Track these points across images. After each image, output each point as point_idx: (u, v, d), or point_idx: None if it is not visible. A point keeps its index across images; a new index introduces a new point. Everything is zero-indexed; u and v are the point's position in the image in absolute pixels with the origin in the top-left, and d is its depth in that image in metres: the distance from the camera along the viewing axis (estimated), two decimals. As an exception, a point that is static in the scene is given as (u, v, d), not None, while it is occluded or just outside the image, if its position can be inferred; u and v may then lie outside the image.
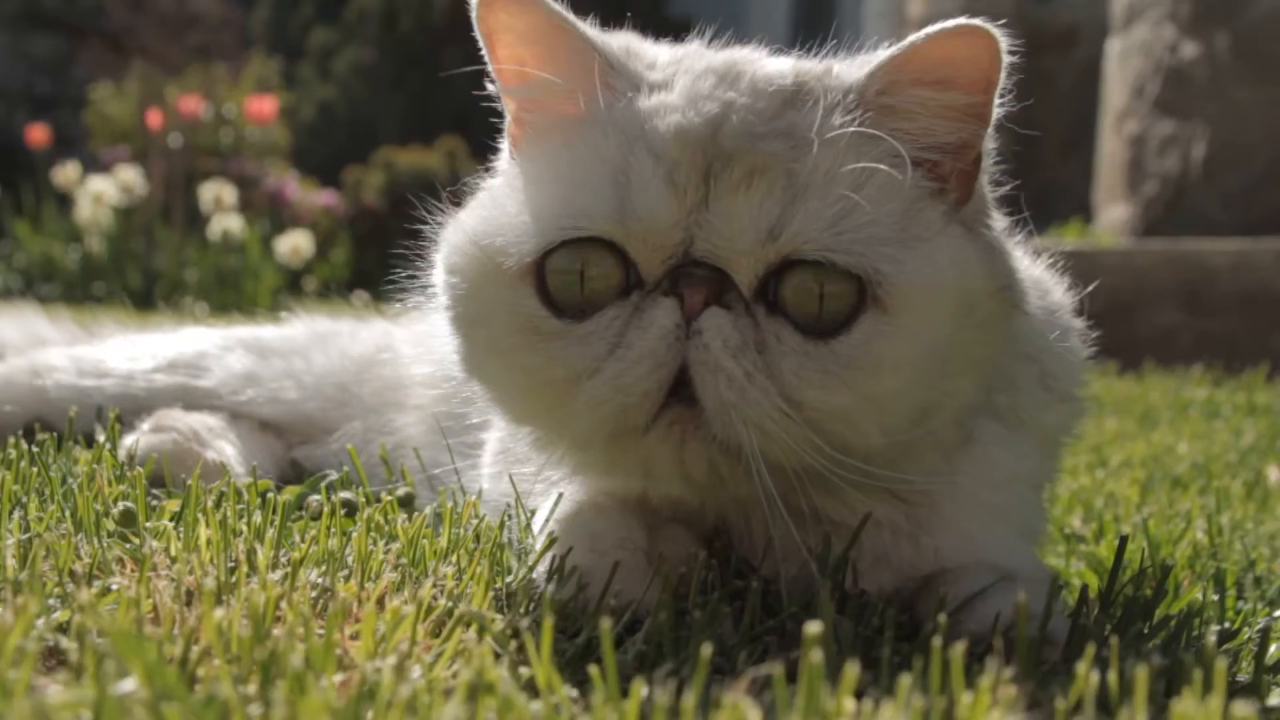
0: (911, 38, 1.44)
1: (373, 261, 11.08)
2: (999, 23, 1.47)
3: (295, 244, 9.91)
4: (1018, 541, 1.63)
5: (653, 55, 1.55)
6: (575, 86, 1.49)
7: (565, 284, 1.42)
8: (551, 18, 1.49)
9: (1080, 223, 7.45)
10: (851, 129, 1.42)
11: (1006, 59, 1.46)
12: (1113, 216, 7.18)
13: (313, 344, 2.43)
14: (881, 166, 1.41)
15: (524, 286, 1.44)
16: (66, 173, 10.61)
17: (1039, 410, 1.67)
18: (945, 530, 1.58)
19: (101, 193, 10.15)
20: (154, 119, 11.54)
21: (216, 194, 10.23)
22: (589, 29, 1.52)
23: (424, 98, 16.12)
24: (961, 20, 1.44)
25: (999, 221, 1.58)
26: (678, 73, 1.50)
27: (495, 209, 1.50)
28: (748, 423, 1.35)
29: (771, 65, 1.52)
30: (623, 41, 1.55)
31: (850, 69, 1.50)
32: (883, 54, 1.46)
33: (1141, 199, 6.97)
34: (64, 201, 10.79)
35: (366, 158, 13.13)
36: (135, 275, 10.10)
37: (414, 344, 2.24)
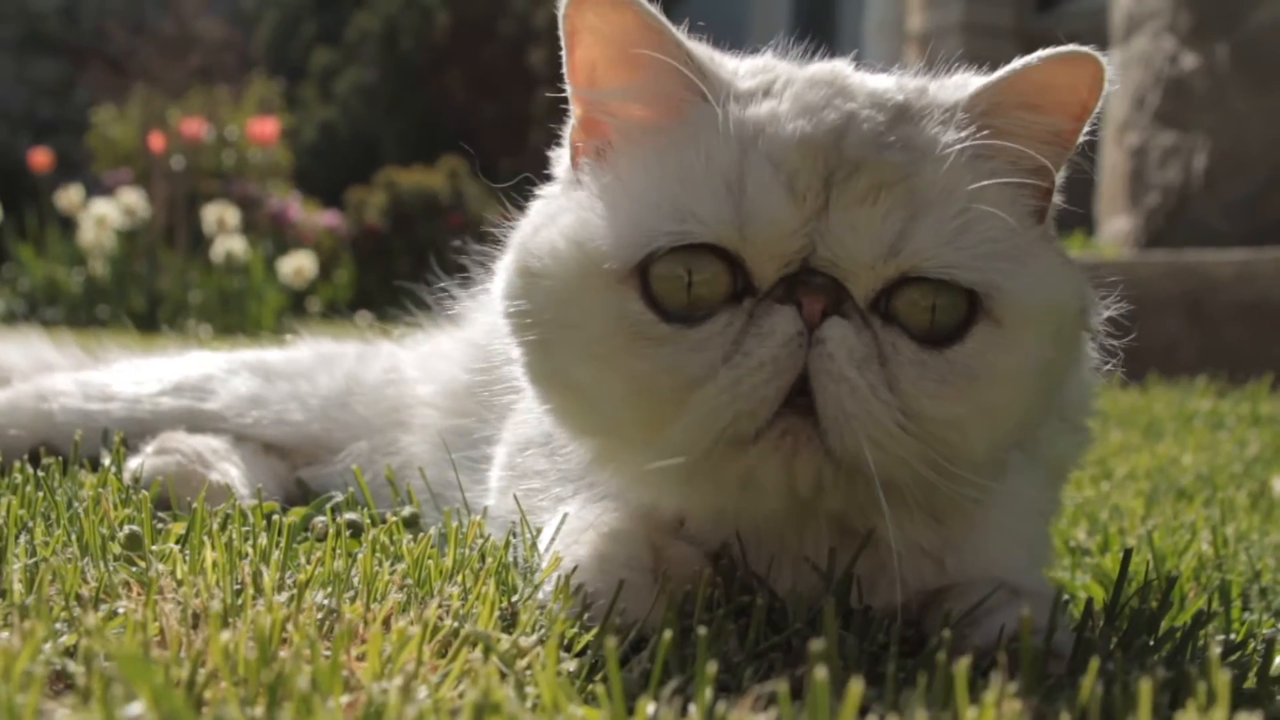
0: (1020, 61, 1.46)
1: (375, 282, 11.11)
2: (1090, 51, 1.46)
3: (298, 265, 9.92)
4: (1031, 568, 1.64)
5: (733, 64, 1.56)
6: (665, 91, 1.49)
7: (671, 289, 1.40)
8: (644, 18, 1.49)
9: (1082, 235, 7.45)
10: (967, 143, 1.42)
11: (1107, 88, 1.46)
12: (1115, 228, 7.18)
13: (318, 366, 2.43)
14: (995, 182, 1.42)
15: (627, 290, 1.42)
16: (69, 196, 10.62)
17: (1052, 439, 1.67)
18: (973, 554, 1.58)
19: (104, 216, 10.16)
20: (156, 141, 11.57)
21: (219, 216, 10.25)
22: (679, 32, 1.51)
23: (425, 118, 16.15)
24: (1071, 47, 1.44)
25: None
26: (776, 81, 1.50)
27: (583, 213, 1.48)
28: (868, 435, 1.35)
29: (876, 80, 1.54)
30: (704, 48, 1.55)
31: (950, 89, 1.51)
32: (990, 76, 1.48)
33: (1143, 210, 6.97)
34: (67, 225, 10.81)
35: (369, 178, 13.15)
36: (139, 298, 10.11)
37: (418, 365, 2.25)
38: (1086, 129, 1.48)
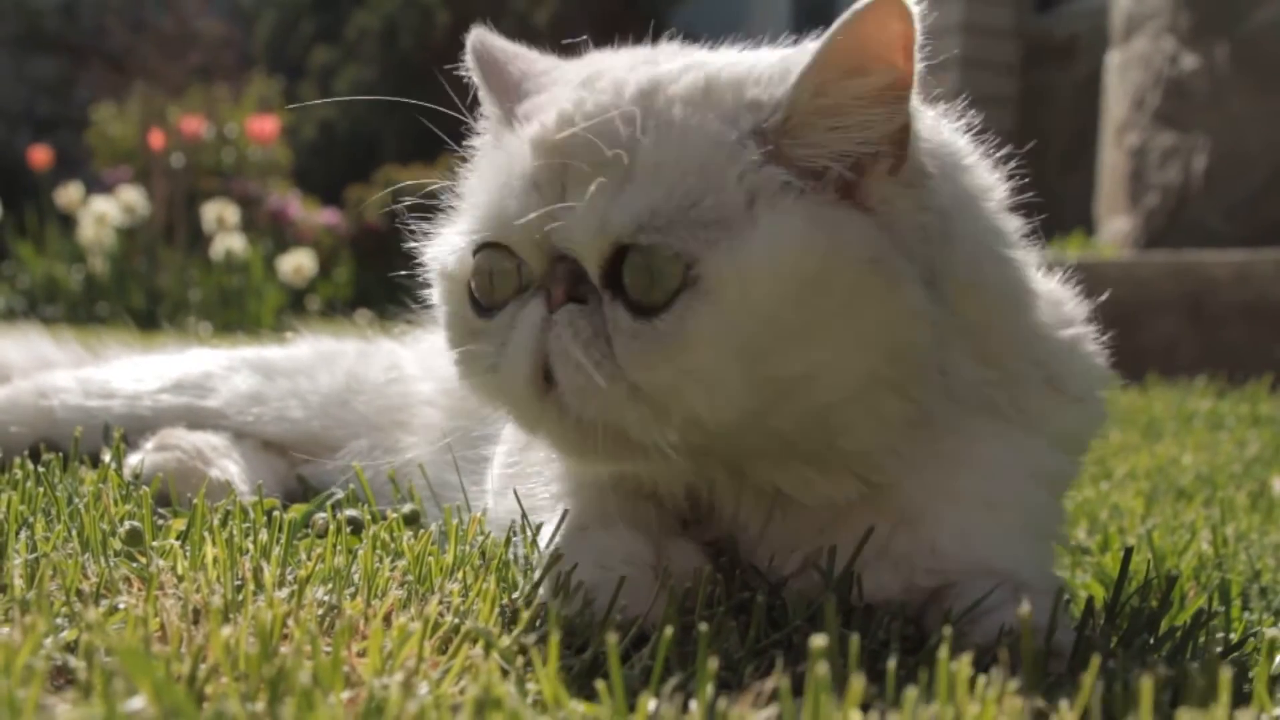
0: (827, 32, 1.45)
1: (375, 280, 11.09)
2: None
3: (298, 263, 9.92)
4: (1021, 540, 1.62)
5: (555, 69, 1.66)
6: (493, 111, 1.66)
7: (480, 285, 1.53)
8: (484, 50, 1.69)
9: (1082, 235, 7.45)
10: (684, 120, 1.46)
11: (915, 11, 1.44)
12: (1115, 228, 7.18)
13: (318, 363, 2.44)
14: (717, 151, 1.44)
15: (465, 290, 1.56)
16: (69, 194, 10.62)
17: (1052, 411, 1.67)
18: (938, 524, 1.58)
19: (104, 213, 10.16)
20: (156, 139, 11.56)
21: (219, 214, 10.25)
22: (515, 56, 1.69)
23: (425, 116, 16.10)
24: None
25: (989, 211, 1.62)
26: (554, 82, 1.59)
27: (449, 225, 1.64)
28: (598, 406, 1.41)
29: (671, 61, 1.56)
30: (544, 62, 1.68)
31: (775, 79, 1.50)
32: (807, 56, 1.45)
33: (1143, 211, 6.97)
34: (67, 222, 10.80)
35: (368, 176, 13.14)
36: (138, 295, 10.11)
37: (419, 362, 2.25)
38: (920, 59, 1.47)
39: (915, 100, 1.47)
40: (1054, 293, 1.78)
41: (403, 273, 1.69)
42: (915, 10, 1.42)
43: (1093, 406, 1.75)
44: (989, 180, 1.64)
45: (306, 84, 17.29)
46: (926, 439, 1.55)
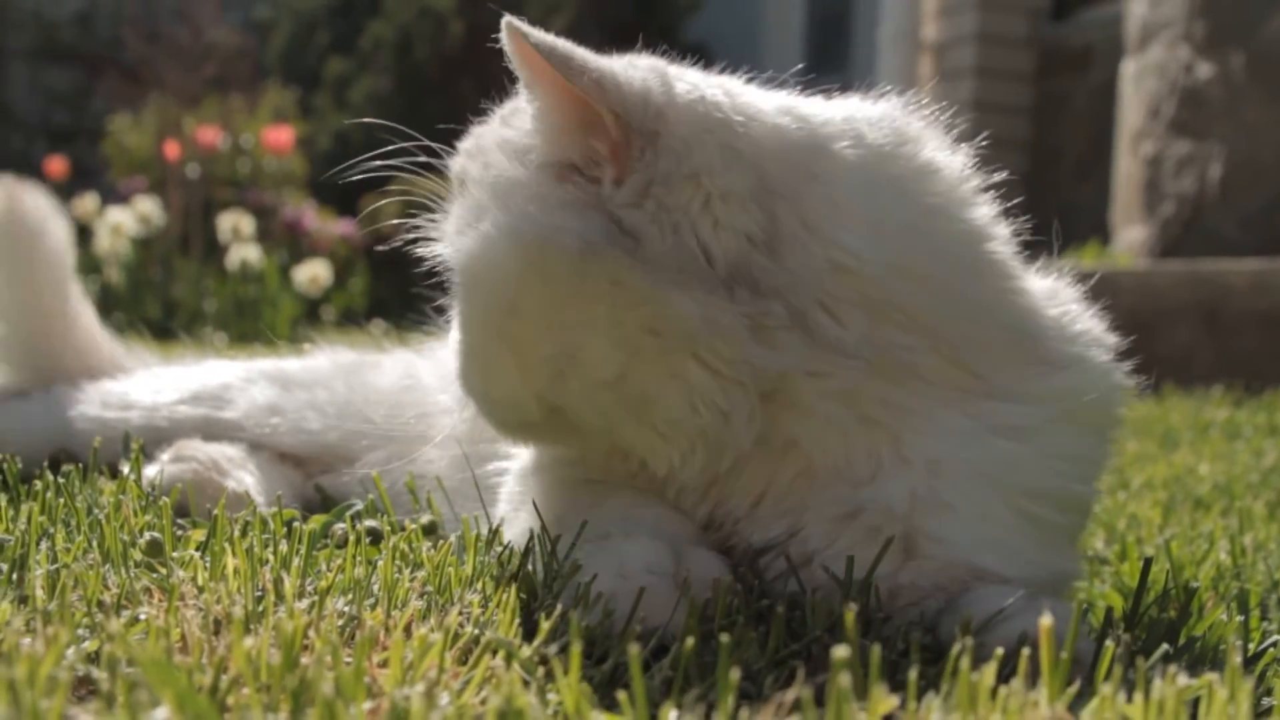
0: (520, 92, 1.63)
1: (390, 290, 11.10)
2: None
3: (313, 273, 9.93)
4: (1000, 506, 1.60)
5: None
6: None
7: None
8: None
9: (1098, 244, 7.45)
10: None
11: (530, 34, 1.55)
12: (1130, 237, 7.17)
13: (336, 374, 2.44)
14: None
15: None
16: (85, 204, 10.64)
17: (1033, 379, 1.64)
18: (894, 483, 1.58)
19: (120, 224, 10.18)
20: (171, 150, 11.59)
21: (234, 224, 10.27)
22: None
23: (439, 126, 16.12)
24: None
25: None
26: None
27: None
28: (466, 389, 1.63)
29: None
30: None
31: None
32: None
33: (1159, 220, 6.96)
34: (83, 233, 10.81)
35: (384, 187, 13.14)
36: (154, 306, 10.13)
37: (437, 374, 2.25)
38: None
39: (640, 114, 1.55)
40: (1048, 287, 1.78)
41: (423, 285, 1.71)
42: (523, 27, 1.54)
43: (1092, 371, 1.72)
44: (918, 160, 1.66)
45: (321, 94, 17.32)
46: (839, 400, 1.56)
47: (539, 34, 1.54)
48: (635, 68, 1.56)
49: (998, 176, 1.73)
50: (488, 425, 1.65)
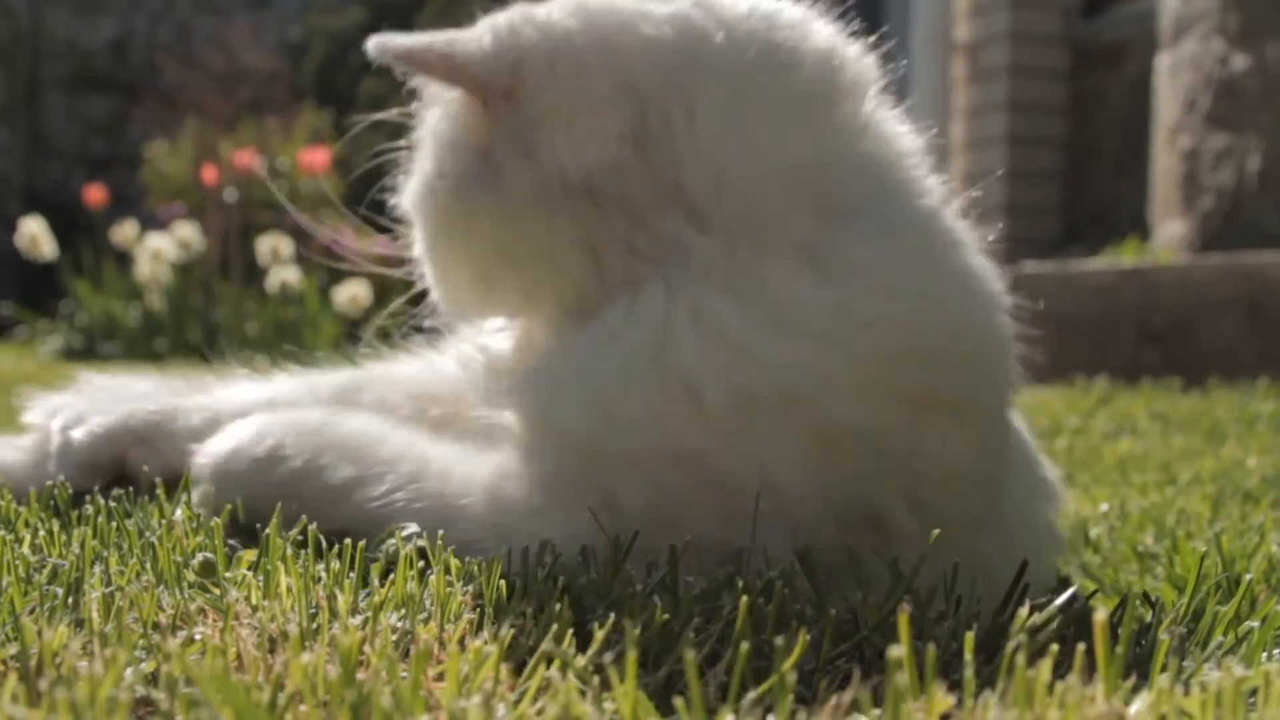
0: None
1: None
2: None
3: (353, 293, 9.97)
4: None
5: None
6: None
7: None
8: None
9: (1137, 240, 7.42)
10: None
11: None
12: (1169, 232, 7.15)
13: (389, 385, 2.44)
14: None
15: None
16: (125, 231, 10.72)
17: (783, 281, 1.57)
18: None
19: (160, 250, 10.26)
20: (209, 174, 11.67)
21: (273, 246, 10.32)
22: None
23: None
24: None
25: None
26: None
27: None
28: None
29: None
30: None
31: None
32: None
33: (1198, 214, 6.94)
34: (123, 260, 10.91)
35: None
36: (195, 330, 10.19)
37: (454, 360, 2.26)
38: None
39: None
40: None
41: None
42: (379, 46, 1.77)
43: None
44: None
45: (356, 114, 17.38)
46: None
47: (395, 43, 1.72)
48: (490, 29, 1.69)
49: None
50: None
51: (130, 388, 2.62)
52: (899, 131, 1.73)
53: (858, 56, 1.72)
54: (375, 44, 1.71)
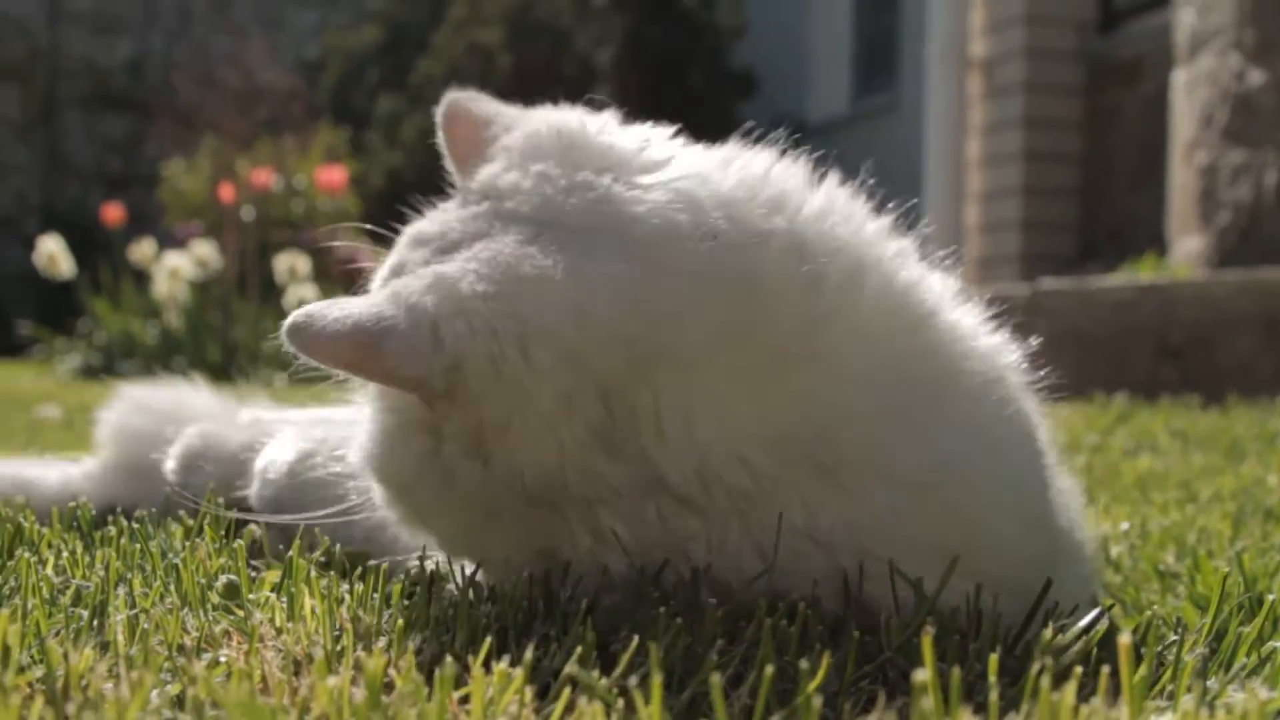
0: None
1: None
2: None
3: (370, 310, 9.96)
4: None
5: None
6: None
7: None
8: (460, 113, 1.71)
9: (1155, 256, 7.41)
10: None
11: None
12: (1187, 248, 7.14)
13: None
14: None
15: None
16: (142, 250, 10.77)
17: None
18: None
19: (177, 268, 10.30)
20: (226, 193, 11.71)
21: (291, 264, 10.34)
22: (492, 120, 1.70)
23: (490, 160, 16.16)
24: None
25: None
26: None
27: None
28: None
29: None
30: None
31: None
32: None
33: (1215, 229, 6.93)
34: (141, 278, 10.95)
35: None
36: (213, 348, 10.22)
37: None
38: None
39: None
40: None
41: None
42: (302, 332, 1.44)
43: None
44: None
45: (373, 132, 17.43)
46: None
47: (318, 334, 1.42)
48: (412, 319, 1.41)
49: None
50: None
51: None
52: (920, 310, 1.56)
53: (849, 237, 1.54)
54: (293, 333, 1.42)
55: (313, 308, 1.42)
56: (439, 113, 1.69)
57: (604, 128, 1.58)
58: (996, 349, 1.61)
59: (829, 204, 1.56)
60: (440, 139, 1.69)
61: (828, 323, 1.47)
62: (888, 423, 1.48)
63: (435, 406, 1.45)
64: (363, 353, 1.41)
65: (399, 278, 1.50)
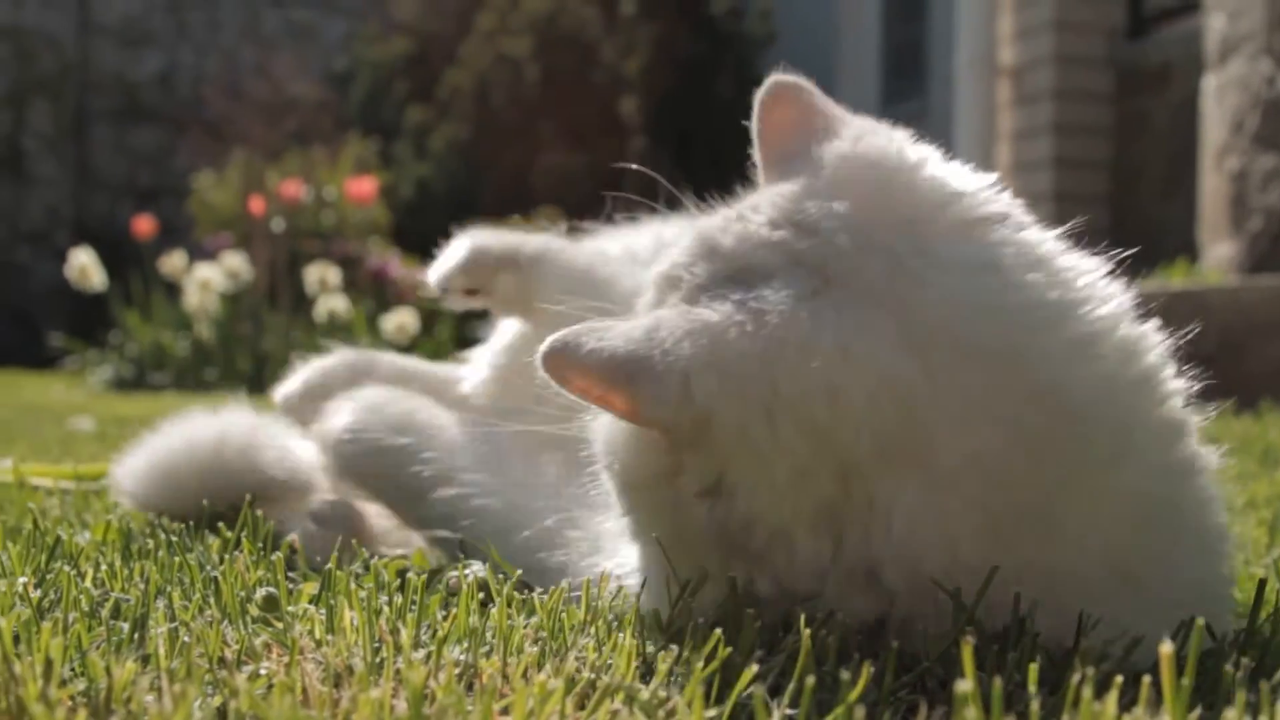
0: None
1: (477, 335, 11.15)
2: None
3: (400, 321, 10.00)
4: None
5: None
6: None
7: None
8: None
9: (1186, 262, 7.38)
10: None
11: None
12: (1218, 254, 7.11)
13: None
14: None
15: None
16: (173, 262, 10.80)
17: None
18: None
19: (208, 280, 10.32)
20: (256, 205, 11.74)
21: (321, 275, 10.37)
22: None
23: (519, 171, 16.24)
24: None
25: None
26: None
27: None
28: None
29: None
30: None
31: None
32: None
33: (1247, 235, 6.90)
34: (172, 290, 10.99)
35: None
36: (244, 359, 10.25)
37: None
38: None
39: None
40: None
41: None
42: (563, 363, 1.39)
43: None
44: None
45: (402, 143, 17.46)
46: None
47: (576, 360, 1.37)
48: (666, 366, 1.34)
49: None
50: None
51: None
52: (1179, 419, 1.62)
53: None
54: (550, 360, 1.38)
55: (569, 334, 1.37)
56: (759, 95, 1.59)
57: (924, 163, 1.49)
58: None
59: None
60: (754, 124, 1.58)
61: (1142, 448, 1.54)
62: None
63: (678, 446, 1.39)
64: (613, 390, 1.36)
65: (675, 291, 1.47)
